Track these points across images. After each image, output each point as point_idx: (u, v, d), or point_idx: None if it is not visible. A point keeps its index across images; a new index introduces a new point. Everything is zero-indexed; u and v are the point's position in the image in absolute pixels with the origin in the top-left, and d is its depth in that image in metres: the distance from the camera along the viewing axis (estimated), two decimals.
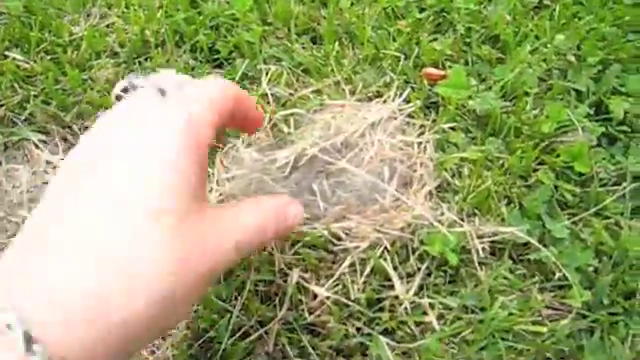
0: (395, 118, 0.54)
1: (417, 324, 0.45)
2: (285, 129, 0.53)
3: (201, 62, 0.62)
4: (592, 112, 0.55)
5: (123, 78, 0.45)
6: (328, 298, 0.46)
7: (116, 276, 0.26)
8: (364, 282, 0.46)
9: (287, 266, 0.47)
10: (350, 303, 0.46)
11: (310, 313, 0.46)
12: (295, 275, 0.46)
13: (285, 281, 0.47)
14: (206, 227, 0.30)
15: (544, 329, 0.45)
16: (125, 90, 0.34)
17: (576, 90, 0.56)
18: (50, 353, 0.24)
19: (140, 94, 0.33)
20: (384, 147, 0.50)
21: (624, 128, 0.55)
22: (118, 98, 0.34)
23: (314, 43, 0.62)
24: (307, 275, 0.47)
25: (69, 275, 0.26)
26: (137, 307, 0.26)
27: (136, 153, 0.29)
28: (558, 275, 0.47)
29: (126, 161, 0.29)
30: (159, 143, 0.30)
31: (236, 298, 0.48)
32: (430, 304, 0.46)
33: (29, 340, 0.24)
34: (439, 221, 0.47)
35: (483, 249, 0.47)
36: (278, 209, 0.36)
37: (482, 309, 0.46)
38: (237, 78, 0.58)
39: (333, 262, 0.47)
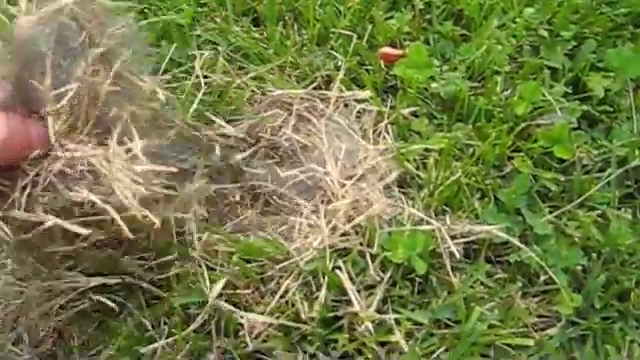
0: (347, 106, 0.47)
1: (381, 345, 0.39)
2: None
3: None
4: (570, 91, 0.49)
5: None
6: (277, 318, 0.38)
7: None
8: (316, 298, 0.38)
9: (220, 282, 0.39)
10: (300, 325, 0.38)
11: (254, 339, 0.38)
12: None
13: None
14: None
15: (530, 341, 0.39)
16: None
17: (550, 67, 0.50)
18: None
19: None
20: (333, 140, 0.42)
21: (605, 108, 0.49)
22: None
23: (255, 25, 0.54)
24: (247, 292, 0.39)
25: None
26: None
27: None
28: (543, 278, 0.41)
29: None
30: None
31: (164, 324, 0.39)
32: (396, 320, 0.39)
33: None
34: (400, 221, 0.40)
35: (456, 252, 0.40)
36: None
37: (457, 322, 0.40)
38: (164, 65, 0.50)
39: (277, 276, 0.39)
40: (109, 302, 0.38)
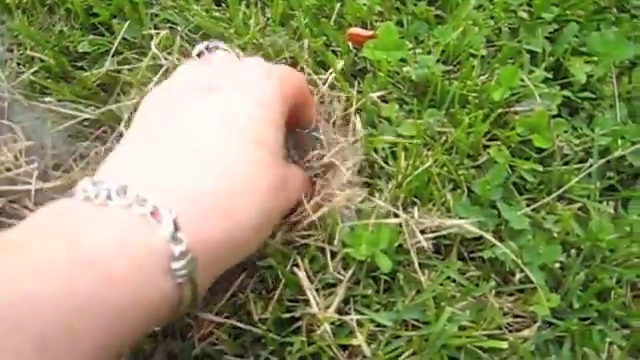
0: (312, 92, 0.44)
1: (342, 348, 0.35)
2: None
3: (78, 29, 0.50)
4: (550, 76, 0.46)
5: None
6: (226, 319, 0.35)
7: (237, 181, 0.29)
8: (271, 298, 0.35)
9: None
10: (253, 327, 0.35)
11: (201, 340, 0.35)
12: None
13: None
14: (286, 167, 0.34)
15: (504, 344, 0.36)
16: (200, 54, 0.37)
17: (530, 51, 0.47)
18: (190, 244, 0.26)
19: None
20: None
21: (587, 94, 0.46)
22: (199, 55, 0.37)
23: (217, 4, 0.51)
24: None
25: (198, 178, 0.28)
26: (250, 211, 0.29)
27: (234, 93, 0.32)
28: (519, 276, 0.38)
29: (226, 98, 0.32)
30: (255, 88, 0.33)
31: None
32: (358, 322, 0.35)
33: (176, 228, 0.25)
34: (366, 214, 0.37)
35: (426, 248, 0.37)
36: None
37: (426, 323, 0.36)
38: (115, 46, 0.46)
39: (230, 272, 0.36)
40: None
